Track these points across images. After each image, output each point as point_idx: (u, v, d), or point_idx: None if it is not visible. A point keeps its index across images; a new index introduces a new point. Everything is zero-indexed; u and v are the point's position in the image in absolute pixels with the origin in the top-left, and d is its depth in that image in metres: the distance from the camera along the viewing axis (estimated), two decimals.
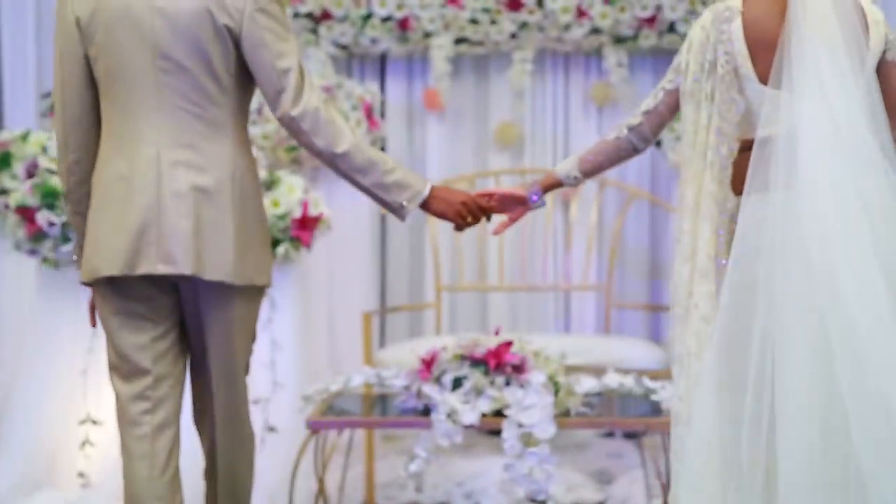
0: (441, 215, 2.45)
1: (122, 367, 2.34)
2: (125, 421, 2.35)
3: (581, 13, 4.70)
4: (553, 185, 2.46)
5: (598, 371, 3.27)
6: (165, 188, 2.24)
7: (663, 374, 2.72)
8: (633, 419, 2.82)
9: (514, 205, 2.49)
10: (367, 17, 4.77)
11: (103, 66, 2.27)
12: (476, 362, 2.82)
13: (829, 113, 2.03)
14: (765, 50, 2.12)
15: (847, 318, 1.95)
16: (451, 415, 2.72)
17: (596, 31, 4.75)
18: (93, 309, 2.46)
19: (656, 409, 2.80)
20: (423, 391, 2.82)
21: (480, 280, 4.52)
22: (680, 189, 2.22)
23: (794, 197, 2.02)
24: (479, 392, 2.77)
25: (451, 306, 4.92)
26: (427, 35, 4.79)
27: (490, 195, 2.50)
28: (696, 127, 2.18)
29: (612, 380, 2.87)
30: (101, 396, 3.36)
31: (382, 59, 4.97)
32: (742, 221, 2.10)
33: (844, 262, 1.97)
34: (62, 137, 2.34)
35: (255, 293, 2.37)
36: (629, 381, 2.86)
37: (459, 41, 4.82)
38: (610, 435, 4.46)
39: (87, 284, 2.36)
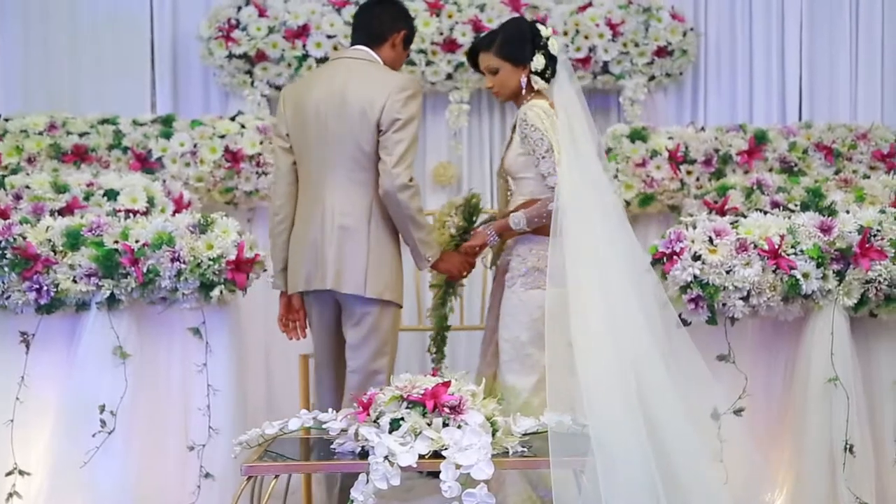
0: (446, 271, 3.51)
1: None
2: None
3: None
4: (505, 230, 3.41)
5: None
6: (326, 227, 3.26)
7: None
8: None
9: (482, 248, 3.51)
10: (303, 58, 4.77)
11: (297, 141, 3.37)
12: (414, 403, 2.80)
13: (582, 178, 3.16)
14: None
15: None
16: (389, 457, 2.69)
17: None
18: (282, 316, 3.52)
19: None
20: (360, 433, 2.79)
21: (419, 321, 4.51)
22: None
23: (562, 238, 3.08)
24: (416, 433, 2.75)
25: None
26: None
27: (475, 250, 3.48)
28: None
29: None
30: (29, 447, 3.27)
31: None
32: (549, 251, 3.13)
33: (597, 282, 3.02)
34: (274, 188, 3.44)
35: (385, 307, 3.30)
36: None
37: None
38: None
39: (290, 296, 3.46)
